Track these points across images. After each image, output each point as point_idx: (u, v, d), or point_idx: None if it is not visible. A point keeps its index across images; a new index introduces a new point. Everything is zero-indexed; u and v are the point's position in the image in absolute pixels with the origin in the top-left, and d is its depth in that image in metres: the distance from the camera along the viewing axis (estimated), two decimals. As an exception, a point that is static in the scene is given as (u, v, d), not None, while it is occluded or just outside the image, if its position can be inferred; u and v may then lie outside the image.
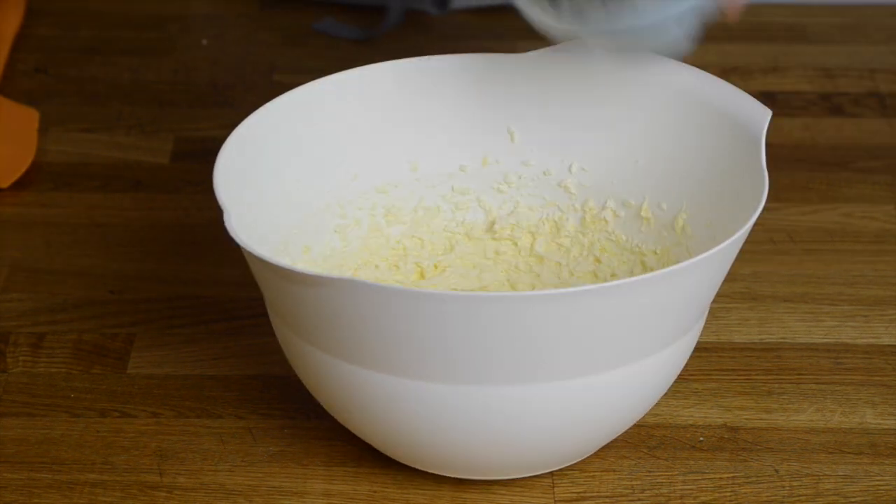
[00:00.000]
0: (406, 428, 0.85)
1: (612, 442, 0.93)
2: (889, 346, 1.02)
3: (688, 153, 0.95)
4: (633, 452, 0.93)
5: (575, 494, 0.91)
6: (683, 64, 0.96)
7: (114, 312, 1.05)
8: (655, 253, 0.98)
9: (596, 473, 0.92)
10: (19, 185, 1.17)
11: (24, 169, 1.18)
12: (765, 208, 0.84)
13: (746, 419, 0.96)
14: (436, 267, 1.02)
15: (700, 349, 0.98)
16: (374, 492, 0.91)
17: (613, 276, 0.99)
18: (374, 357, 0.82)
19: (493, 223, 1.02)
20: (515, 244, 1.02)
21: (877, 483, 0.91)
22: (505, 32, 1.37)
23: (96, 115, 1.27)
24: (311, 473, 0.92)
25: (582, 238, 1.01)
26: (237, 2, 1.44)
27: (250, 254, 0.81)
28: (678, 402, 0.97)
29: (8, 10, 1.37)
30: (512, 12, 0.94)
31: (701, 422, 0.95)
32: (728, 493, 0.91)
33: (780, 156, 1.21)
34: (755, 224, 0.84)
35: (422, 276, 1.02)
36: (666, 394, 0.92)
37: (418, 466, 0.91)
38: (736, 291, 1.06)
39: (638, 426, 0.93)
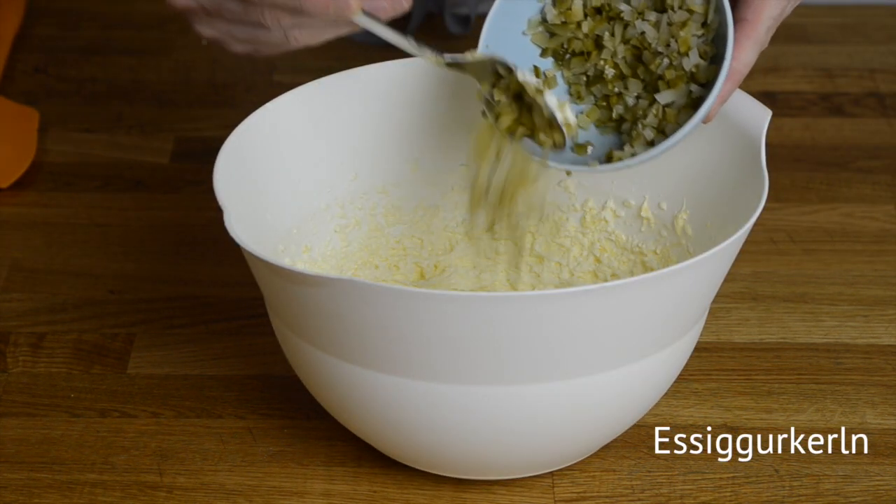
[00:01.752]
0: (406, 428, 0.85)
1: (612, 442, 0.93)
2: (889, 346, 1.02)
3: (687, 153, 0.95)
4: (633, 452, 0.93)
5: (575, 494, 0.91)
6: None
7: (114, 312, 1.05)
8: (655, 253, 0.98)
9: (596, 473, 0.92)
10: (19, 185, 1.17)
11: (24, 169, 1.18)
12: (765, 208, 0.84)
13: (746, 419, 0.96)
14: (436, 267, 1.02)
15: (700, 349, 0.98)
16: (374, 492, 0.91)
17: (613, 276, 0.99)
18: (374, 357, 0.82)
19: (492, 223, 1.02)
20: (515, 244, 1.02)
21: (877, 483, 0.91)
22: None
23: (96, 115, 1.27)
24: (311, 473, 0.92)
25: (582, 238, 1.00)
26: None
27: (250, 254, 0.80)
28: (678, 402, 0.97)
29: (8, 10, 1.37)
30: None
31: (701, 422, 0.95)
32: (728, 493, 0.91)
33: (780, 156, 1.21)
34: (755, 224, 0.84)
35: (422, 276, 1.02)
36: (666, 394, 0.92)
37: (418, 466, 0.91)
38: (736, 291, 1.06)
39: (638, 426, 0.93)
